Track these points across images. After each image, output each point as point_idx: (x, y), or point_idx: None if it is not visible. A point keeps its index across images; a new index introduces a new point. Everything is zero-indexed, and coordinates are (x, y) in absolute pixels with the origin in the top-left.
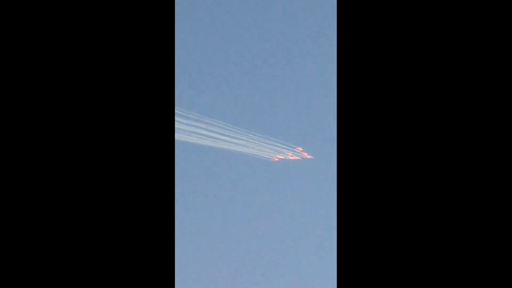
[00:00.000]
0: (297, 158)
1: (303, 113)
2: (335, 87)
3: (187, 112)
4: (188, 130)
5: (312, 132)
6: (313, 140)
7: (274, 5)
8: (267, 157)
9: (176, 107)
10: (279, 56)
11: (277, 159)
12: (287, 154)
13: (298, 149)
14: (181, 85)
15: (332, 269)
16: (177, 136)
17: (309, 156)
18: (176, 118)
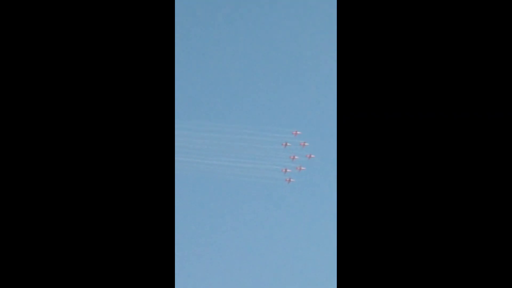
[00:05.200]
0: (302, 168)
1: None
2: (333, 82)
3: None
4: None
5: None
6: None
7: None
8: (278, 178)
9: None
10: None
11: (288, 181)
12: (295, 164)
13: (294, 133)
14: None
15: (332, 269)
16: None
17: (312, 156)
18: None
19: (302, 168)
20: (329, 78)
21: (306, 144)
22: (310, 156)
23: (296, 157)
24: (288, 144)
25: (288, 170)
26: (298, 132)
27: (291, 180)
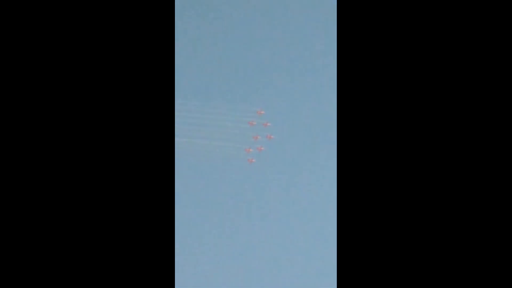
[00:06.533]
0: (262, 148)
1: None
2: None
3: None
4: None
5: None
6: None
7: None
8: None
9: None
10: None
11: (250, 161)
12: (256, 139)
13: (259, 113)
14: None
15: (332, 269)
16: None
17: (272, 137)
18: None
19: (262, 148)
20: (328, 77)
21: (268, 124)
22: (269, 137)
23: (258, 136)
24: (254, 123)
25: (250, 150)
26: (262, 112)
27: (253, 160)
